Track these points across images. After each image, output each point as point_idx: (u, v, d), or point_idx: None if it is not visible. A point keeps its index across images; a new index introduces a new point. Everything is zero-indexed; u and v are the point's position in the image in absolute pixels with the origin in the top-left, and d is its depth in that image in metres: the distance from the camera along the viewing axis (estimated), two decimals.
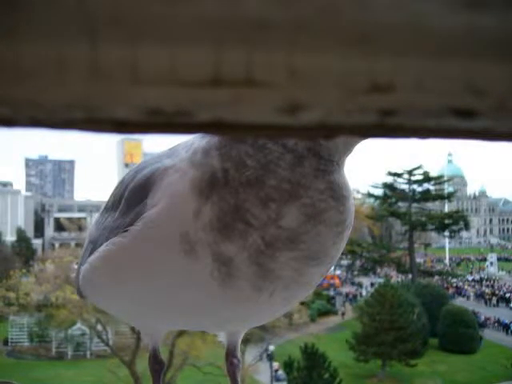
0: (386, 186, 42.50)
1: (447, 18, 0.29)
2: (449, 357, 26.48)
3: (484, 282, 47.22)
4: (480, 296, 41.14)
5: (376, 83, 0.30)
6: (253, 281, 0.93)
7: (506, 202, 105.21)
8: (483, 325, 31.58)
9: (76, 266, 1.28)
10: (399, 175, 42.63)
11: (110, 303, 1.17)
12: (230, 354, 1.24)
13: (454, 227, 43.51)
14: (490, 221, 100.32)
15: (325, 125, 0.32)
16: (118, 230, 1.01)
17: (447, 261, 62.16)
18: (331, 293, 38.43)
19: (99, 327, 22.70)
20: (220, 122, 0.32)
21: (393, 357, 23.80)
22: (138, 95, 0.30)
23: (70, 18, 0.28)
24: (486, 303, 39.47)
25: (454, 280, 46.08)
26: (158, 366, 1.24)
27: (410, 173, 42.32)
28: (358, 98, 0.31)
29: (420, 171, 42.55)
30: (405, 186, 42.73)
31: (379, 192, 43.27)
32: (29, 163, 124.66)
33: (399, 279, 40.36)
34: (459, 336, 26.64)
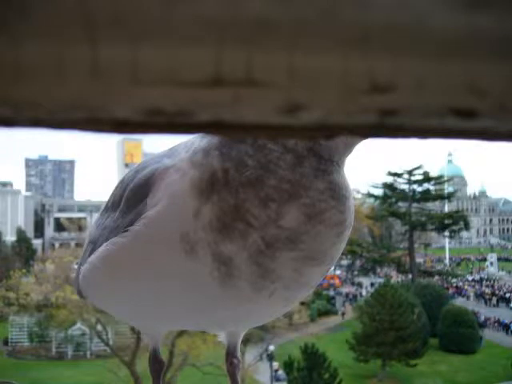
0: (386, 186, 42.50)
1: (447, 17, 0.29)
2: (449, 357, 26.47)
3: (484, 282, 47.24)
4: (480, 296, 41.15)
5: (376, 83, 0.30)
6: (253, 281, 0.93)
7: (506, 202, 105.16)
8: (483, 325, 31.56)
9: (76, 266, 1.28)
10: (399, 175, 42.65)
11: (110, 303, 1.17)
12: (230, 354, 1.24)
13: (454, 227, 43.56)
14: (490, 221, 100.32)
15: (325, 125, 0.32)
16: (118, 230, 1.01)
17: (447, 261, 62.18)
18: (331, 293, 38.47)
19: (99, 327, 22.71)
20: (220, 122, 0.31)
21: (393, 357, 23.80)
22: (138, 95, 0.30)
23: (70, 18, 0.28)
24: (486, 303, 39.49)
25: (454, 280, 46.13)
26: (158, 365, 1.24)
27: (410, 173, 42.33)
28: (358, 98, 0.31)
29: (420, 171, 42.61)
30: (405, 186, 42.76)
31: (379, 192, 43.35)
32: (29, 163, 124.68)
33: (399, 279, 40.39)
34: (459, 336, 26.63)
